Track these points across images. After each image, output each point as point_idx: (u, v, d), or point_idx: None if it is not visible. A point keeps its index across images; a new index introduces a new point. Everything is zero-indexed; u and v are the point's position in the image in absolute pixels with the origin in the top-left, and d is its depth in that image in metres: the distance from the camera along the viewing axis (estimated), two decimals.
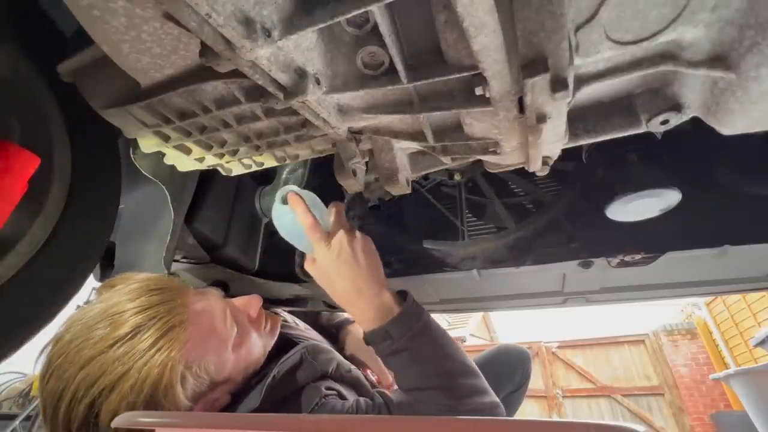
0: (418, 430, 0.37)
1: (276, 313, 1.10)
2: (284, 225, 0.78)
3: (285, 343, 0.87)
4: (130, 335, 0.57)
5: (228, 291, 1.03)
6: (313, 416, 0.63)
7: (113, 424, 0.48)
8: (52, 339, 0.60)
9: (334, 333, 1.16)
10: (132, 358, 0.56)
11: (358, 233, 0.72)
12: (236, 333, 0.69)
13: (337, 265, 0.69)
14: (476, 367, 0.68)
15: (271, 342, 0.79)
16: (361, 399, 0.74)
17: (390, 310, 0.67)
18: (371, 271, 0.70)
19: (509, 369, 1.35)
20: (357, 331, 1.12)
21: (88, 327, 0.58)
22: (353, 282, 0.69)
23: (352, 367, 0.89)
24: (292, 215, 0.75)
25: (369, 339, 0.70)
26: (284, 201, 0.76)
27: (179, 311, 0.61)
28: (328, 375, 0.80)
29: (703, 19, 0.34)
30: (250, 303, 0.77)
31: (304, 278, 1.10)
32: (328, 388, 0.75)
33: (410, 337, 0.65)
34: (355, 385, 0.86)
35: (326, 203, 0.80)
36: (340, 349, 1.06)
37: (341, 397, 0.76)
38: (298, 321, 1.15)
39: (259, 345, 0.75)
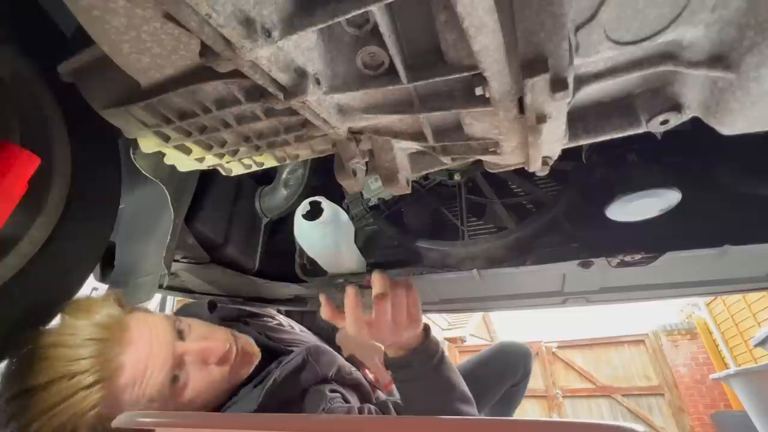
0: (419, 430, 0.37)
1: (270, 314, 1.10)
2: (312, 243, 0.78)
3: (275, 350, 0.88)
4: (38, 389, 0.58)
5: (214, 310, 1.03)
6: (313, 416, 0.63)
7: (113, 425, 0.48)
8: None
9: (331, 333, 1.16)
10: (32, 416, 0.57)
11: (399, 293, 0.72)
12: (179, 381, 0.69)
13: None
14: (471, 395, 0.76)
15: (243, 372, 0.78)
16: (372, 406, 0.75)
17: (414, 341, 0.73)
18: (411, 329, 0.72)
19: (511, 365, 1.38)
20: None
21: (27, 361, 0.60)
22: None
23: (353, 369, 0.89)
24: (321, 233, 0.75)
25: (390, 364, 0.73)
26: (306, 215, 0.77)
27: (98, 369, 0.60)
28: (330, 378, 0.81)
29: (703, 19, 0.34)
30: (206, 352, 0.73)
31: (304, 278, 1.10)
32: (331, 391, 0.76)
33: (429, 368, 0.71)
34: (356, 388, 0.87)
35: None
36: (338, 349, 1.06)
37: (345, 400, 0.77)
38: (293, 324, 1.16)
39: (218, 381, 0.73)
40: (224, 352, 0.74)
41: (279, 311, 1.30)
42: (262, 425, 0.42)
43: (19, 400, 0.58)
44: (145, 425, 0.46)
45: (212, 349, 0.73)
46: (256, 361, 0.81)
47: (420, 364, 0.71)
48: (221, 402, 0.76)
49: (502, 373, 1.37)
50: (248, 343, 0.82)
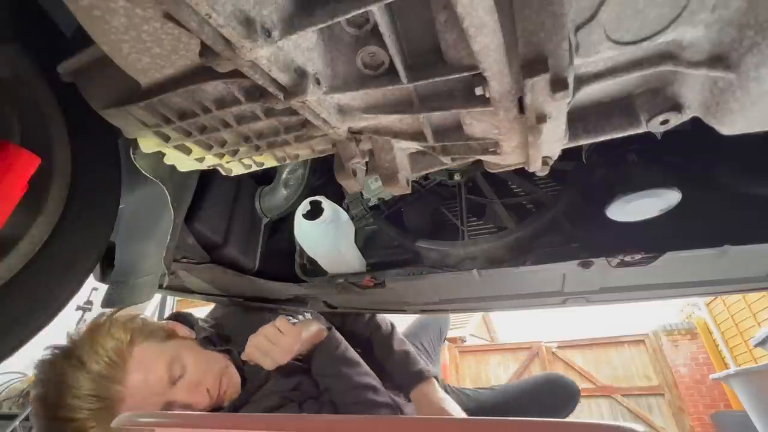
0: (418, 429, 0.37)
1: (297, 311, 1.19)
2: (312, 242, 0.79)
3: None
4: (51, 420, 0.74)
5: (208, 345, 1.06)
6: (313, 416, 0.63)
7: (113, 425, 0.49)
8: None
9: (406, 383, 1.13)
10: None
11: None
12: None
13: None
14: (367, 368, 1.02)
15: (224, 402, 0.92)
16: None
17: (316, 339, 1.01)
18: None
19: (559, 406, 1.37)
20: (429, 397, 1.06)
21: (48, 393, 0.76)
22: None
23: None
24: (321, 233, 0.76)
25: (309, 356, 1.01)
26: (307, 214, 0.78)
27: (94, 417, 0.75)
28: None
29: (703, 19, 0.34)
30: (190, 405, 0.86)
31: (304, 278, 1.10)
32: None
33: (338, 353, 1.00)
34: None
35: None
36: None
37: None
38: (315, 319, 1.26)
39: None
40: (203, 407, 0.88)
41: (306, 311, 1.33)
42: (261, 425, 0.42)
43: (39, 422, 0.76)
44: (144, 425, 0.46)
45: (195, 405, 0.86)
46: (230, 399, 0.94)
47: (329, 350, 0.99)
48: None
49: (549, 409, 1.35)
50: (233, 385, 0.96)
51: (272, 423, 0.43)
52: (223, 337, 1.13)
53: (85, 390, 0.75)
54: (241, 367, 1.00)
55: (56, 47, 0.57)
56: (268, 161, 0.60)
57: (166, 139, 0.53)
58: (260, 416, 0.56)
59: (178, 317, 1.12)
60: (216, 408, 0.91)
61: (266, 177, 1.12)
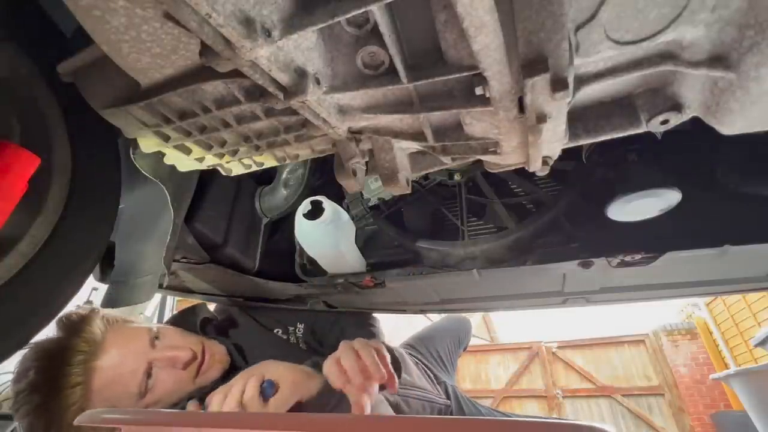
0: (421, 430, 0.37)
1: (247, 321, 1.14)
2: (312, 242, 0.79)
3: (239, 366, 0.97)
4: (35, 389, 0.73)
5: (207, 326, 1.06)
6: (296, 414, 0.63)
7: (75, 423, 0.48)
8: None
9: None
10: (31, 409, 0.73)
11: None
12: (150, 381, 0.83)
13: None
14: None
15: (212, 375, 0.91)
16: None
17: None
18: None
19: None
20: None
21: (31, 367, 0.75)
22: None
23: None
24: (322, 232, 0.76)
25: None
26: (307, 214, 0.78)
27: (79, 373, 0.76)
28: None
29: (703, 19, 0.34)
30: (173, 359, 0.86)
31: (304, 278, 1.10)
32: None
33: None
34: None
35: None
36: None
37: None
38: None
39: (184, 381, 0.87)
40: (187, 360, 0.87)
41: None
42: (236, 423, 0.41)
43: (22, 396, 0.72)
44: (109, 422, 0.45)
45: (177, 357, 0.86)
46: (221, 368, 0.93)
47: None
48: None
49: None
50: (218, 352, 0.95)
51: (248, 420, 0.42)
52: (222, 330, 1.09)
53: (73, 348, 0.77)
54: (233, 356, 0.98)
55: (56, 47, 0.57)
56: (268, 161, 0.60)
57: (166, 139, 0.53)
58: (235, 414, 0.55)
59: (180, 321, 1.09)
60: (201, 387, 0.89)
61: (266, 177, 1.12)
